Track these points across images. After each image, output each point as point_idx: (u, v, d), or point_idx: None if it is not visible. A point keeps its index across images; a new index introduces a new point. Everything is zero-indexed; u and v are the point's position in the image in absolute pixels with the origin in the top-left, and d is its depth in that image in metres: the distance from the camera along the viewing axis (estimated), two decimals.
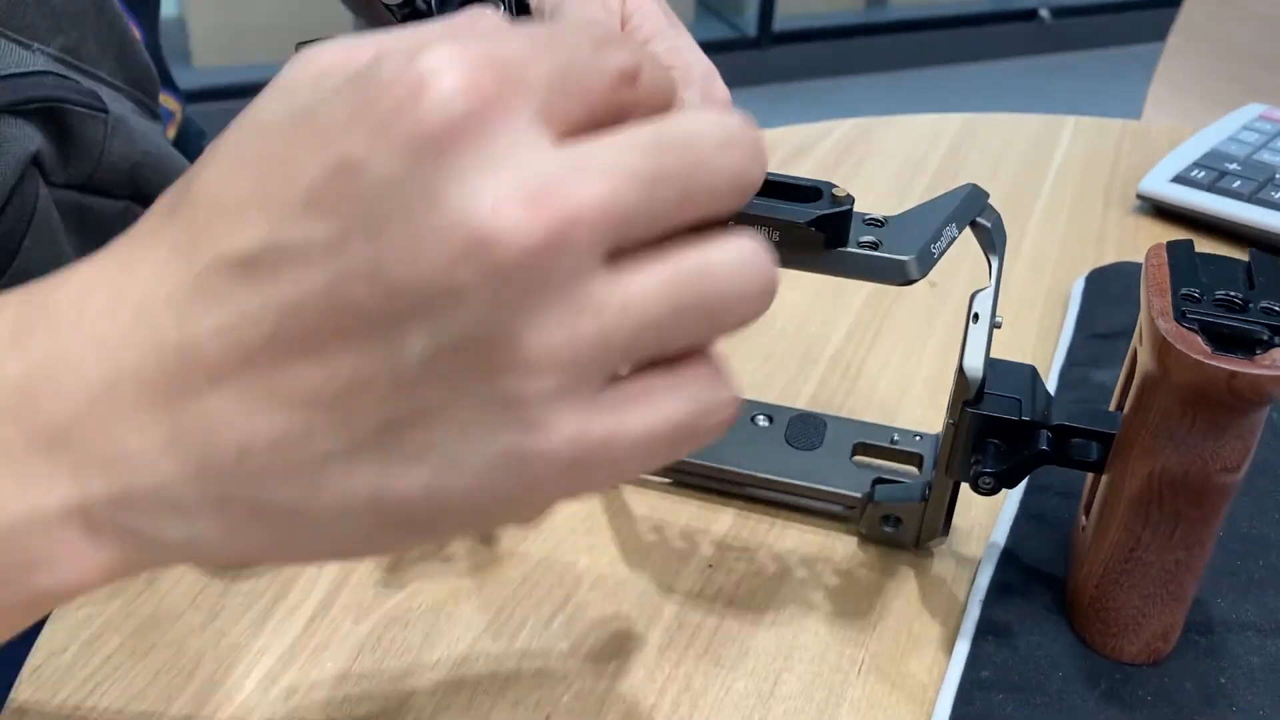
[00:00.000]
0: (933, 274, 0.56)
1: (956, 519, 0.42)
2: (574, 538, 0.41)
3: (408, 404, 0.21)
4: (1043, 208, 0.62)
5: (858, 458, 0.43)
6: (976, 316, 0.36)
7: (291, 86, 0.22)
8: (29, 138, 0.41)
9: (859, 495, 0.41)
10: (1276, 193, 0.59)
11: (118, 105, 0.47)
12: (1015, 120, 0.72)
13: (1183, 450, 0.32)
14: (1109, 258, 0.58)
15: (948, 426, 0.37)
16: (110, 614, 0.36)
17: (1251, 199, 0.59)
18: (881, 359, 0.50)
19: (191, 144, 0.73)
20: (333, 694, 0.34)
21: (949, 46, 2.96)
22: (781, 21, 2.79)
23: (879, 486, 0.40)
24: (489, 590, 0.38)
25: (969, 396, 0.36)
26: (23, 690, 0.34)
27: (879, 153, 0.68)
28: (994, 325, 0.36)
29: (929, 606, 0.39)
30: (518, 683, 0.35)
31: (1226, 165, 0.62)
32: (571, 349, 0.20)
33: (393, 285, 0.20)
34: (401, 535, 0.23)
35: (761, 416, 0.44)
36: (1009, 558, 0.40)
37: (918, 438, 0.43)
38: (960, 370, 0.36)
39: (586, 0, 0.43)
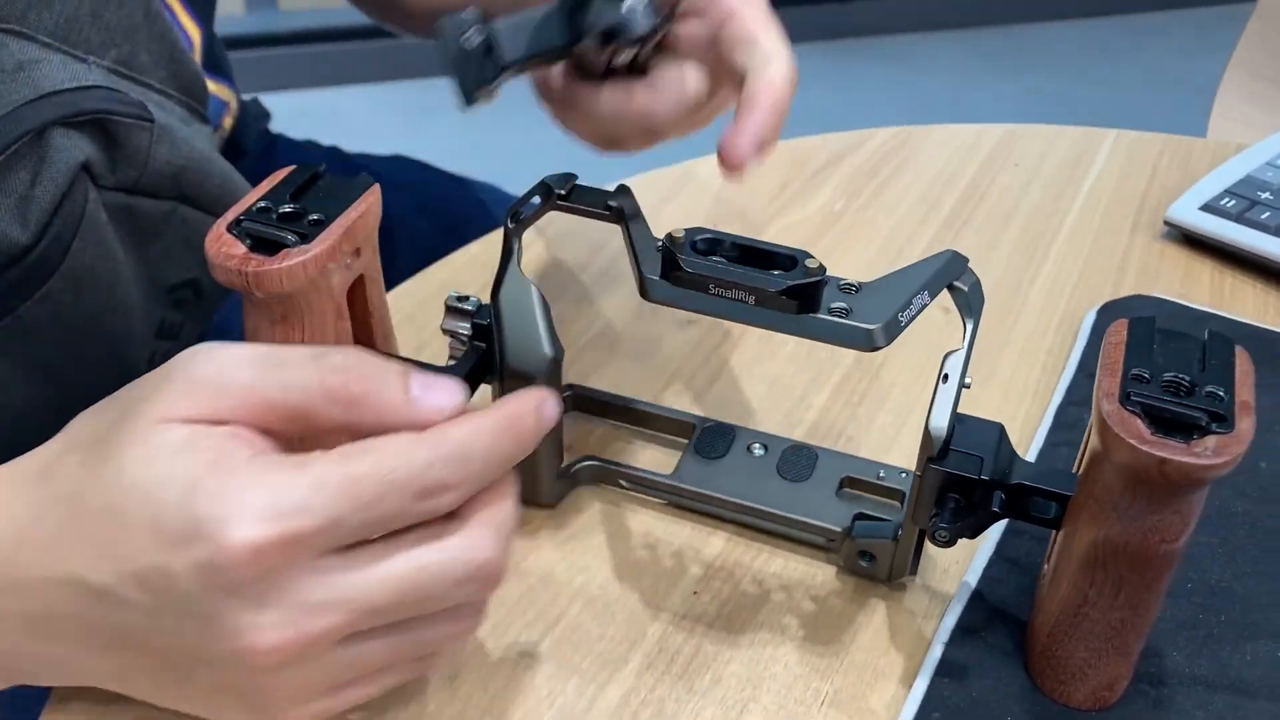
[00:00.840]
0: (945, 298, 0.57)
1: (935, 554, 0.44)
2: (572, 556, 0.44)
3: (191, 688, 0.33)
4: (1069, 229, 0.63)
5: (845, 490, 0.46)
6: (946, 377, 0.38)
7: (159, 462, 0.30)
8: (78, 147, 0.45)
9: (839, 529, 0.43)
10: None
11: (164, 114, 0.50)
12: (1056, 132, 0.72)
13: (1124, 522, 0.34)
14: (1128, 288, 0.59)
15: (915, 477, 0.39)
16: None
17: (1279, 232, 0.59)
18: (885, 388, 0.52)
19: (250, 128, 0.77)
20: None
21: (1040, 4, 2.88)
22: None
23: (858, 523, 0.43)
24: (490, 604, 0.42)
25: (932, 453, 0.38)
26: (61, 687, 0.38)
27: (914, 163, 0.69)
28: (963, 386, 0.38)
29: (896, 641, 0.41)
30: (504, 698, 0.39)
31: (1259, 194, 0.62)
32: (298, 644, 0.30)
33: (182, 647, 0.31)
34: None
35: (758, 445, 0.47)
36: (977, 599, 0.42)
37: (903, 474, 0.45)
38: (926, 428, 0.38)
39: None
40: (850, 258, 0.60)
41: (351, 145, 0.85)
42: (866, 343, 0.36)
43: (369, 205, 0.40)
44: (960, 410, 0.38)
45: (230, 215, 0.39)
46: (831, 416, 0.51)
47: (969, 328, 0.39)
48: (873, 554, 0.42)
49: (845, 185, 0.66)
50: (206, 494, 0.29)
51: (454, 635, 0.33)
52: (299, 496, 0.29)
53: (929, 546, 0.42)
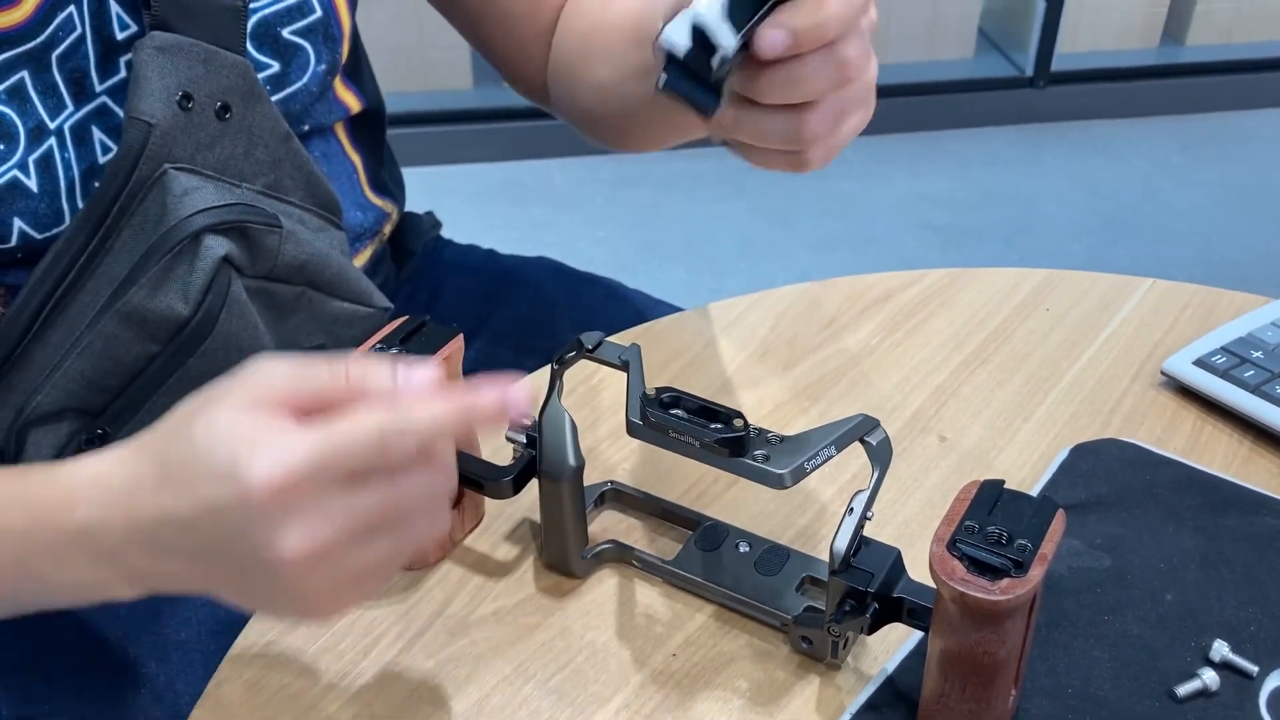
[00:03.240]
0: (944, 430, 0.69)
1: (871, 642, 0.56)
2: (587, 618, 0.58)
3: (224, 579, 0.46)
4: (1074, 374, 0.73)
5: (805, 586, 0.58)
6: (851, 510, 0.50)
7: (219, 429, 0.44)
8: (220, 246, 0.63)
9: (790, 616, 0.56)
10: None
11: (292, 222, 0.68)
12: (1092, 279, 0.81)
13: (956, 636, 0.46)
14: (1111, 431, 0.68)
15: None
16: (278, 633, 0.57)
17: (1256, 390, 0.67)
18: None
19: (419, 235, 0.96)
20: (398, 711, 0.54)
21: (1247, 91, 2.83)
22: (1064, 60, 2.77)
23: (804, 613, 0.55)
24: (519, 648, 0.56)
25: (834, 568, 0.50)
26: (223, 669, 0.55)
27: (955, 304, 0.80)
28: (865, 518, 0.50)
29: (820, 710, 0.53)
30: (520, 715, 0.53)
31: (1251, 353, 0.70)
32: (314, 550, 0.43)
33: (237, 559, 0.44)
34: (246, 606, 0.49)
35: (744, 544, 0.60)
36: (889, 682, 0.53)
37: None
38: (830, 547, 0.50)
39: None
40: (870, 389, 0.72)
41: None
42: (778, 484, 0.49)
43: (453, 350, 0.56)
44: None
45: (354, 354, 0.55)
46: (820, 522, 0.63)
47: (875, 476, 0.51)
48: (810, 639, 0.55)
49: (887, 322, 0.78)
50: (244, 446, 0.43)
51: (429, 528, 0.46)
52: (301, 450, 0.42)
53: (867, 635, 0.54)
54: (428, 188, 2.71)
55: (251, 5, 0.69)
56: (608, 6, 0.76)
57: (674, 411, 0.50)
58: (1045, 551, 0.44)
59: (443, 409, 0.44)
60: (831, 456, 0.50)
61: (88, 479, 0.47)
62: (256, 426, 0.43)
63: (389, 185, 0.92)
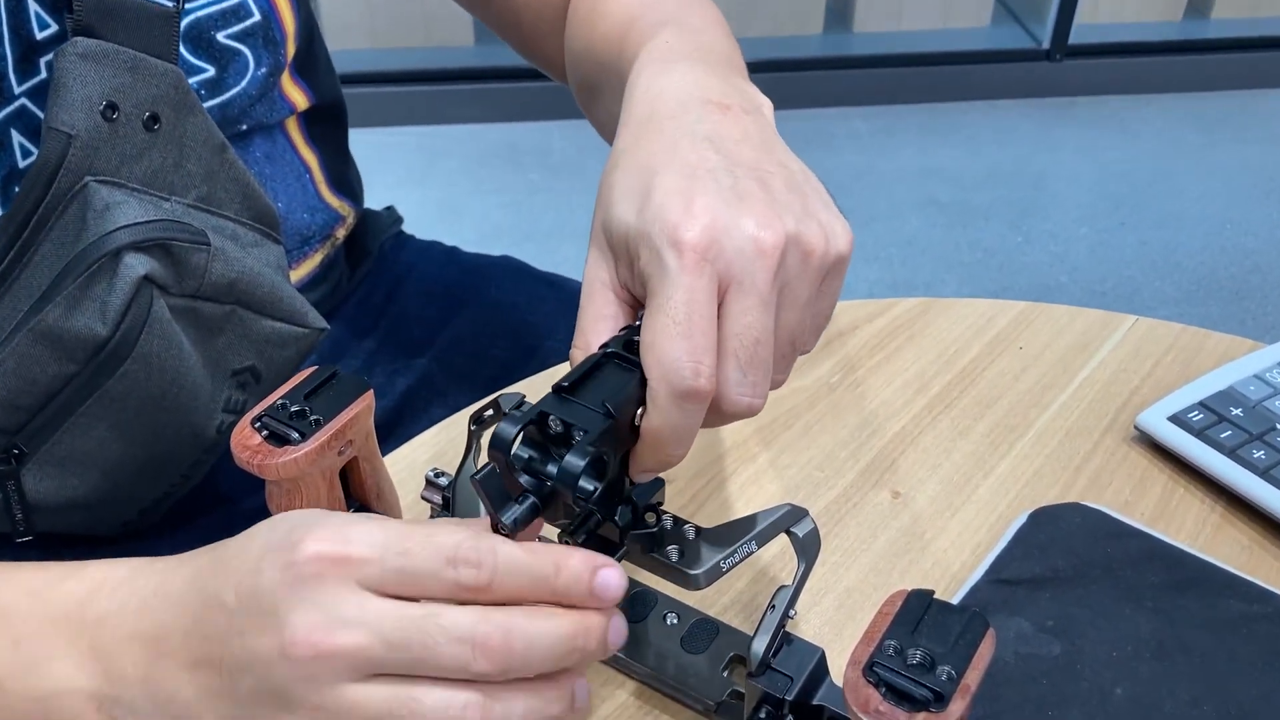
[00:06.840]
0: (898, 485, 0.65)
1: None
2: None
3: (244, 707, 0.43)
4: (1043, 424, 0.69)
5: (733, 666, 0.54)
6: (773, 607, 0.47)
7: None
8: (141, 265, 0.59)
9: (713, 702, 0.52)
10: (1259, 451, 0.63)
11: (222, 238, 0.64)
12: (1073, 314, 0.77)
13: None
14: (1076, 492, 0.64)
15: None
16: None
17: (1231, 454, 0.63)
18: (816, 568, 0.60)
19: (376, 234, 0.91)
20: None
21: (1271, 68, 2.74)
22: (1083, 31, 2.69)
23: (727, 700, 0.52)
24: None
25: (751, 669, 0.46)
26: None
27: (924, 337, 0.75)
28: (788, 616, 0.47)
29: None
30: None
31: (1230, 410, 0.66)
32: (325, 649, 0.41)
33: (240, 651, 0.42)
34: None
35: (672, 615, 0.56)
36: None
37: None
38: (749, 647, 0.46)
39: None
40: (824, 435, 0.68)
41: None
42: (690, 585, 0.45)
43: (360, 409, 0.52)
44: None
45: (256, 410, 0.52)
46: (758, 586, 0.59)
47: (800, 569, 0.47)
48: None
49: (850, 357, 0.74)
50: (303, 523, 0.43)
51: (439, 712, 0.41)
52: (360, 531, 0.42)
53: None
54: (423, 147, 2.66)
55: (185, 6, 0.65)
56: (593, 37, 0.71)
57: None
58: (969, 682, 0.41)
59: (527, 550, 0.42)
60: (752, 553, 0.46)
61: (113, 577, 0.48)
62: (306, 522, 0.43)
63: (351, 184, 0.88)
